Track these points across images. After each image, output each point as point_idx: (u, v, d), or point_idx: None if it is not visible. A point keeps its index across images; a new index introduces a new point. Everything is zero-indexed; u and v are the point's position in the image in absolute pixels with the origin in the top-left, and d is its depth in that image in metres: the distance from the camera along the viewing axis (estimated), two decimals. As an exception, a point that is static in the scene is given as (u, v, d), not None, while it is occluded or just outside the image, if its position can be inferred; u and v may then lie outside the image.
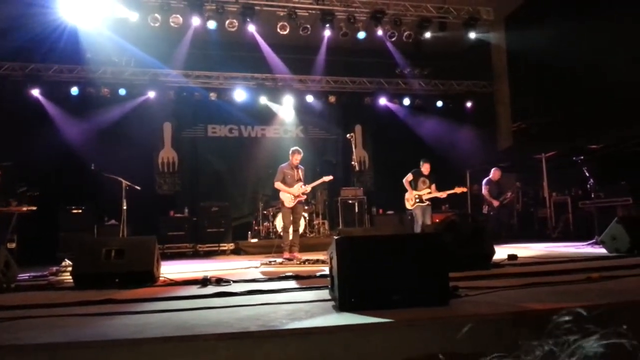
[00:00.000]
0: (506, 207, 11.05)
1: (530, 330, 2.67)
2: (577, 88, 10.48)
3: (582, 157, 9.42)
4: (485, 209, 11.10)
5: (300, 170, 8.59)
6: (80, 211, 10.56)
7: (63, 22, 10.16)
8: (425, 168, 9.47)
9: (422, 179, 9.40)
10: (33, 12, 10.05)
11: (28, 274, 6.71)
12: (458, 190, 9.41)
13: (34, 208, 8.20)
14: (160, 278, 5.36)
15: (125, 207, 8.71)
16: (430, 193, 9.31)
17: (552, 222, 11.25)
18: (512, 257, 6.18)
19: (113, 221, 10.45)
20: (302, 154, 8.60)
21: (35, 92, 11.65)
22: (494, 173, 11.03)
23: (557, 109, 11.33)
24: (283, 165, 8.61)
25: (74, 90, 11.96)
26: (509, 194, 10.87)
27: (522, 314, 2.78)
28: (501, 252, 6.21)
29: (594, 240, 8.07)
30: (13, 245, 8.42)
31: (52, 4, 9.70)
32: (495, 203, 10.72)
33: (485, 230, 5.66)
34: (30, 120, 11.52)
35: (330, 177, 8.84)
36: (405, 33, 11.63)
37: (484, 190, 10.93)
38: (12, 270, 5.42)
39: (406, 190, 9.46)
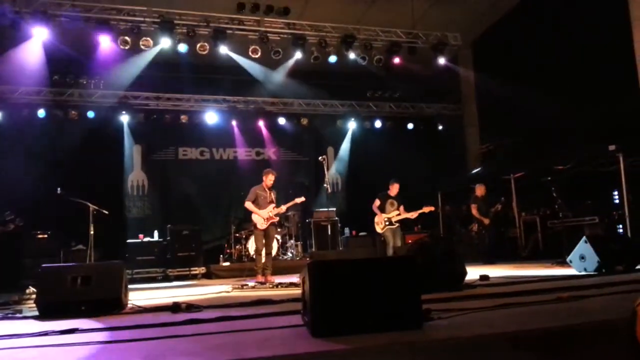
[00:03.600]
0: (494, 224, 10.62)
1: (504, 352, 2.67)
2: (542, 110, 10.76)
3: (549, 178, 9.63)
4: (475, 227, 10.83)
5: (273, 193, 8.53)
6: (45, 236, 10.21)
7: (29, 43, 10.00)
8: (394, 188, 9.41)
9: (390, 200, 9.37)
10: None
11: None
12: (426, 209, 9.39)
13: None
14: (129, 305, 5.20)
15: (92, 232, 8.49)
16: (399, 215, 9.27)
17: (521, 242, 11.41)
18: (484, 277, 6.24)
19: (80, 246, 10.16)
20: (275, 175, 8.55)
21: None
22: (478, 189, 10.75)
23: (523, 130, 11.60)
24: (256, 186, 8.55)
25: (41, 113, 11.73)
26: (499, 206, 10.50)
27: (494, 336, 2.78)
28: (473, 273, 6.25)
29: (562, 259, 8.19)
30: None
31: (19, 26, 9.53)
32: (486, 221, 10.42)
33: (457, 251, 5.69)
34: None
35: (303, 199, 8.82)
36: (376, 57, 11.81)
37: (473, 210, 10.66)
38: (-29, 299, 5.21)
39: (376, 214, 9.44)
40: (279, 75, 12.42)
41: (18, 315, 5.21)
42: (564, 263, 7.75)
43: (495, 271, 7.64)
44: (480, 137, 14.14)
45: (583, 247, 6.54)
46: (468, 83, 14.18)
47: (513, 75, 11.23)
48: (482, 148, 14.05)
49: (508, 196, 11.67)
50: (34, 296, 5.78)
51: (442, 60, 12.29)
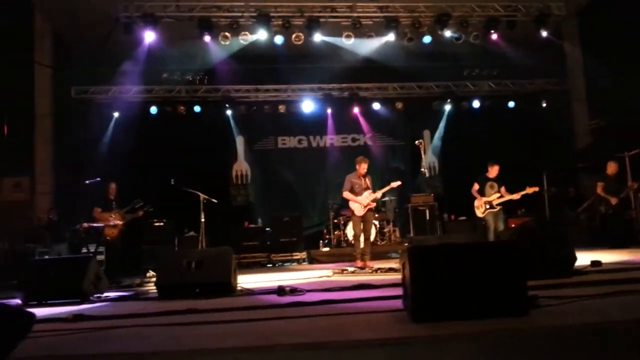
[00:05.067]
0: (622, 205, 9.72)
1: (618, 343, 2.55)
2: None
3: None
4: (602, 209, 10.01)
5: (368, 179, 8.58)
6: (162, 224, 11.12)
7: (140, 44, 10.81)
8: (493, 170, 9.01)
9: (489, 183, 8.99)
10: (113, 37, 10.80)
11: (115, 285, 7.14)
12: (530, 190, 8.84)
13: (119, 222, 8.74)
14: (238, 288, 5.54)
15: (203, 220, 9.06)
16: (500, 197, 8.88)
17: (637, 226, 10.52)
18: (595, 263, 5.88)
19: (192, 233, 10.90)
20: (368, 163, 8.59)
21: (116, 114, 12.63)
22: (609, 166, 9.90)
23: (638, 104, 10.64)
24: (350, 175, 8.63)
25: (153, 110, 12.73)
26: (635, 185, 9.57)
27: (608, 325, 2.66)
28: (584, 259, 5.92)
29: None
30: (102, 257, 8.96)
31: (131, 30, 10.34)
32: (614, 201, 9.60)
33: (565, 235, 5.42)
34: (115, 140, 12.36)
35: (399, 183, 8.75)
36: (473, 34, 11.35)
37: (599, 188, 9.91)
38: (102, 282, 5.82)
39: (475, 197, 9.14)
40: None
41: (142, 296, 5.76)
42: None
43: (608, 256, 7.16)
44: (589, 113, 13.18)
45: None
46: (574, 55, 13.21)
47: (624, 45, 10.29)
48: (592, 124, 13.08)
49: (622, 175, 10.77)
50: (153, 279, 6.34)
51: (544, 33, 11.55)
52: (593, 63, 12.04)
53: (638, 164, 10.45)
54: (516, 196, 8.89)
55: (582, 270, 5.33)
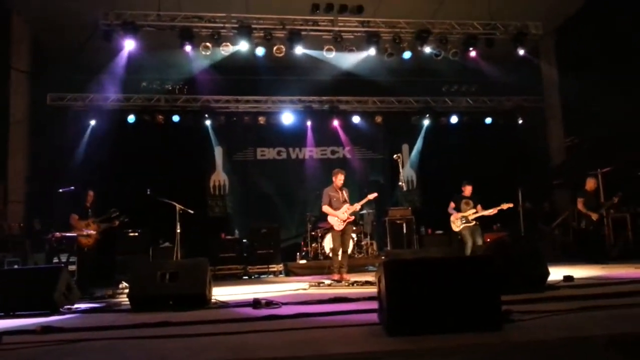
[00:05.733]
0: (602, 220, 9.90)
1: (589, 358, 2.58)
2: (633, 101, 10.09)
3: (640, 172, 8.99)
4: (582, 225, 10.08)
5: (345, 191, 8.58)
6: (136, 234, 10.96)
7: (119, 53, 10.70)
8: (467, 190, 9.20)
9: (464, 200, 9.14)
10: (91, 44, 10.68)
11: (87, 296, 6.98)
12: (504, 206, 8.98)
13: (93, 232, 8.55)
14: (212, 300, 5.47)
15: (179, 230, 8.95)
16: (476, 212, 9.02)
17: (610, 241, 10.75)
18: (568, 278, 5.97)
19: (167, 243, 10.75)
20: (344, 174, 8.60)
21: (93, 122, 12.44)
22: (588, 182, 10.05)
23: (613, 122, 10.91)
24: (327, 188, 8.63)
25: (131, 118, 12.57)
26: (615, 199, 9.72)
27: (579, 340, 2.69)
28: (556, 273, 6.01)
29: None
30: (73, 267, 8.76)
31: (110, 38, 10.23)
32: (595, 216, 9.73)
33: (539, 250, 5.49)
34: (91, 148, 12.17)
35: (375, 194, 8.77)
36: (452, 51, 11.54)
37: (579, 204, 10.00)
38: (73, 293, 5.69)
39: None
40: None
41: (114, 308, 5.64)
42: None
43: (581, 272, 7.28)
44: (564, 130, 13.46)
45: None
46: (550, 73, 13.53)
47: (599, 64, 10.57)
48: (566, 141, 13.36)
49: (595, 192, 11.00)
50: (126, 290, 6.23)
51: (521, 51, 11.79)
52: (568, 81, 12.32)
53: (611, 181, 10.71)
54: (491, 212, 9.03)
55: (555, 285, 5.40)
